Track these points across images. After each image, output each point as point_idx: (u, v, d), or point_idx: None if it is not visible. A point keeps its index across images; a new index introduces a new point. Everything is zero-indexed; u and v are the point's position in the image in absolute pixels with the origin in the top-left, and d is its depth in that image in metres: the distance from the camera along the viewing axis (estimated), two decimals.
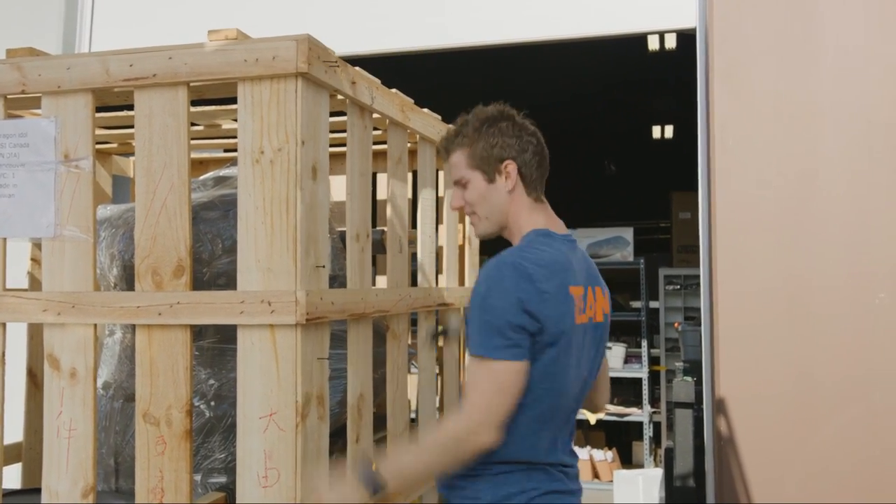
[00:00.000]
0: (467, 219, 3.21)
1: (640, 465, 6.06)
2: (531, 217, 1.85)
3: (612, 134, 8.30)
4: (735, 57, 3.48)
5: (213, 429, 2.22)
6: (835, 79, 3.37)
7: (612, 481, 5.25)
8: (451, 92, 5.34)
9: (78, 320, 1.93)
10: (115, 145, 2.98)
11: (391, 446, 1.92)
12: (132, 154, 2.88)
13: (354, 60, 2.28)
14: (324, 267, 1.92)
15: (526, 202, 1.84)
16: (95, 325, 1.95)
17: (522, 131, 1.85)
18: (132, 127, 1.95)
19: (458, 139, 1.86)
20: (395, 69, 3.44)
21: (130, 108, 1.98)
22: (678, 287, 6.82)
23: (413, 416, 2.89)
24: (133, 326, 1.95)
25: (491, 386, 1.63)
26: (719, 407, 3.48)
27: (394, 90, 2.41)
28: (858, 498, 3.20)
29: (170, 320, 1.86)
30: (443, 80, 5.61)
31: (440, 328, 2.53)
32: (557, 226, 1.88)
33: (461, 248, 3.18)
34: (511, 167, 1.82)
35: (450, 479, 1.78)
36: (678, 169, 6.11)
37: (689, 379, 4.30)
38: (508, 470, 1.72)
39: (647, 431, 6.10)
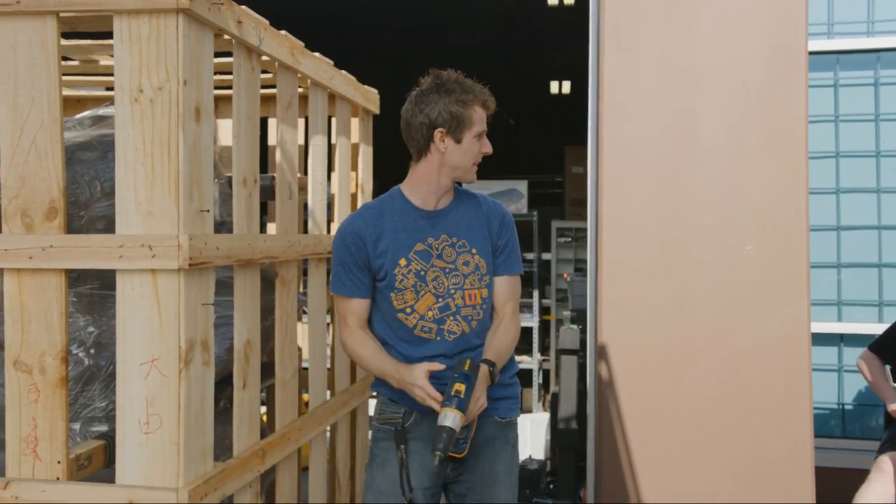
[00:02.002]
0: (360, 166, 3.21)
1: (530, 411, 6.31)
2: None
3: (511, 88, 8.37)
4: (624, 16, 3.57)
5: (93, 377, 2.15)
6: (713, 40, 3.52)
7: None
8: (343, 41, 5.22)
9: None
10: None
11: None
12: None
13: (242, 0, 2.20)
14: (208, 211, 1.88)
15: None
16: None
17: None
18: None
19: None
20: (279, 14, 3.33)
21: None
22: (570, 239, 7.05)
23: (305, 364, 2.89)
24: (1, 271, 1.86)
25: None
26: (601, 352, 3.67)
27: (283, 32, 2.34)
28: (722, 429, 3.47)
29: (42, 264, 1.78)
30: (331, 28, 5.47)
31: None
32: None
33: (353, 196, 3.17)
34: None
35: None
36: (573, 124, 6.26)
37: (574, 327, 4.49)
38: None
39: (537, 378, 6.34)
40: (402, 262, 2.05)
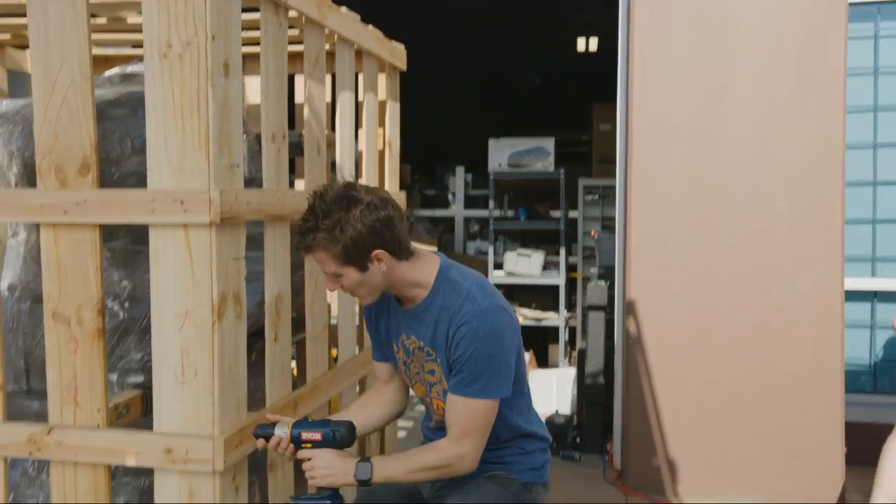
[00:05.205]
0: (387, 123, 3.20)
1: (556, 366, 6.34)
2: (418, 268, 1.88)
3: (537, 46, 8.24)
4: None
5: (128, 330, 2.20)
6: None
7: None
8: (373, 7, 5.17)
9: None
10: (8, 36, 2.79)
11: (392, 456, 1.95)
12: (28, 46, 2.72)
13: None
14: (238, 166, 1.89)
15: (403, 265, 1.85)
16: None
17: (376, 210, 1.77)
18: (26, 16, 1.83)
19: (317, 240, 1.76)
20: None
21: None
22: (597, 197, 6.97)
23: (334, 320, 2.93)
24: (38, 226, 1.89)
25: (488, 422, 1.82)
26: (629, 309, 3.66)
27: None
28: (751, 385, 3.46)
29: (77, 219, 1.81)
30: None
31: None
32: (433, 257, 1.93)
33: (381, 153, 3.17)
34: (381, 254, 1.79)
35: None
36: (601, 81, 6.16)
37: (602, 283, 4.48)
38: None
39: (563, 335, 6.35)
40: (395, 347, 2.00)
